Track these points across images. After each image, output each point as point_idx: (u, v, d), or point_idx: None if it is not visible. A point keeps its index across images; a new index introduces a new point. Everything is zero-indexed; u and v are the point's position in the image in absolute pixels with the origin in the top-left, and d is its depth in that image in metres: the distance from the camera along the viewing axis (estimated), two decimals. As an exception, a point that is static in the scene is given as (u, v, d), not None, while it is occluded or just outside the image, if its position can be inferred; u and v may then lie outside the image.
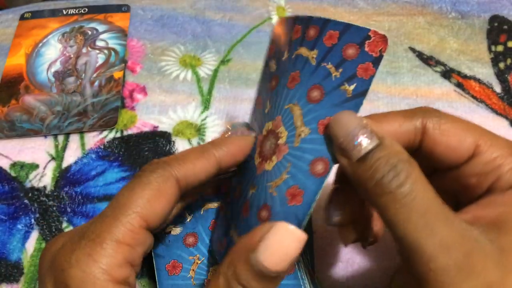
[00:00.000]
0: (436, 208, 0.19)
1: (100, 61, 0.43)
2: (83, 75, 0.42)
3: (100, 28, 0.45)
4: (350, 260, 0.33)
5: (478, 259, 0.18)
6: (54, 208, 0.35)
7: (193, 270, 0.29)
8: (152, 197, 0.21)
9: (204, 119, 0.39)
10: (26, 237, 0.33)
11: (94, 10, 0.47)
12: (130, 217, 0.20)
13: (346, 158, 0.21)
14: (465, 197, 0.23)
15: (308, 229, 0.32)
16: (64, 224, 0.34)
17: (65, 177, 0.36)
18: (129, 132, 0.39)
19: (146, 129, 0.39)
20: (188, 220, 0.29)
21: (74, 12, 0.47)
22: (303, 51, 0.24)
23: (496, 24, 0.46)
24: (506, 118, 0.40)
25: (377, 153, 0.20)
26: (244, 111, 0.40)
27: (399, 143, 0.22)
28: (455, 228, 0.19)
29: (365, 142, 0.20)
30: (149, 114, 0.40)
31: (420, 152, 0.23)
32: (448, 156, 0.22)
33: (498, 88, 0.42)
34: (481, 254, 0.19)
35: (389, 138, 0.21)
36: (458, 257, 0.18)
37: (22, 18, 0.46)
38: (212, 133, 0.39)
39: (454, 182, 0.23)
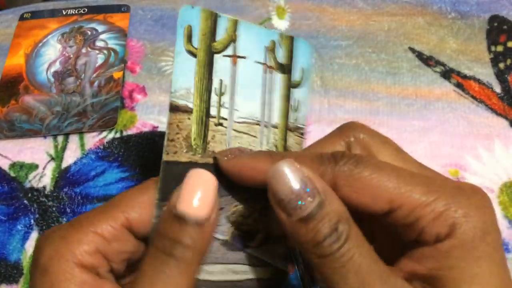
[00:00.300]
0: (372, 267, 0.19)
1: (99, 61, 0.43)
2: (83, 75, 0.42)
3: (100, 28, 0.45)
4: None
5: None
6: (54, 209, 0.35)
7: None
8: (143, 200, 0.22)
9: (204, 119, 0.39)
10: (25, 237, 0.33)
11: (94, 10, 0.47)
12: (114, 213, 0.21)
13: (285, 214, 0.20)
14: (399, 243, 0.22)
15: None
16: (64, 225, 0.34)
17: (64, 177, 0.36)
18: (129, 132, 0.39)
19: (146, 129, 0.39)
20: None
21: (73, 13, 0.47)
22: None
23: (495, 24, 0.46)
24: (506, 118, 0.40)
25: (320, 213, 0.19)
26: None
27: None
28: (391, 285, 0.19)
29: (308, 200, 0.19)
30: (149, 115, 0.40)
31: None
32: (362, 212, 0.21)
33: (498, 88, 0.42)
34: None
35: (330, 191, 0.20)
36: None
37: (22, 18, 0.46)
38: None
39: (383, 233, 0.23)
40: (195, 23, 0.24)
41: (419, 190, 0.20)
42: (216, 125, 0.25)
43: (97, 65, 0.42)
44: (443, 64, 0.43)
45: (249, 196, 0.25)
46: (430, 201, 0.20)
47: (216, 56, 0.25)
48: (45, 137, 0.38)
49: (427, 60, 0.44)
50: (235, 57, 0.25)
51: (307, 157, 0.22)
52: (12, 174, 0.36)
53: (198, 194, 0.20)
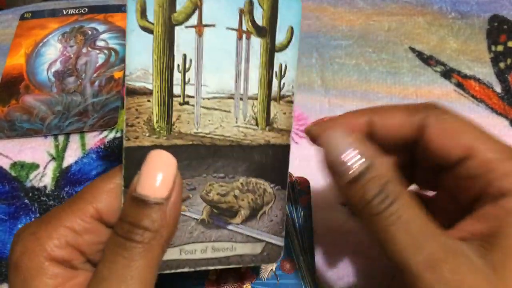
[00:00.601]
0: (421, 226, 0.20)
1: (100, 61, 0.43)
2: (83, 75, 0.42)
3: (100, 28, 0.45)
4: (350, 259, 0.33)
5: (467, 276, 0.18)
6: (55, 208, 0.35)
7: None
8: (112, 191, 0.21)
9: (204, 119, 0.39)
10: (26, 237, 0.33)
11: (94, 10, 0.47)
12: (83, 206, 0.21)
13: (337, 177, 0.21)
14: (463, 200, 0.23)
15: (309, 229, 0.32)
16: (65, 224, 0.34)
17: (65, 177, 0.36)
18: (130, 132, 0.39)
19: (146, 129, 0.39)
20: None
21: (74, 12, 0.47)
22: None
23: (496, 24, 0.46)
24: (506, 118, 0.40)
25: (367, 175, 0.20)
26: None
27: (400, 135, 0.23)
28: (442, 244, 0.19)
29: (355, 164, 0.20)
30: (149, 114, 0.40)
31: (420, 148, 0.23)
32: (442, 155, 0.22)
33: (498, 88, 0.42)
34: (471, 270, 0.19)
35: (379, 156, 0.21)
36: (445, 274, 0.18)
37: (22, 18, 0.46)
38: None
39: (451, 183, 0.23)
40: None
41: (497, 147, 0.22)
42: (181, 104, 0.23)
43: (97, 64, 0.42)
44: (443, 64, 0.43)
45: (225, 173, 0.24)
46: (504, 159, 0.21)
47: (177, 28, 0.22)
48: (46, 136, 0.38)
49: (427, 60, 0.44)
50: (200, 26, 0.22)
51: (396, 107, 0.24)
52: (13, 173, 0.36)
53: (156, 175, 0.20)
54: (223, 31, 0.23)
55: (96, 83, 0.41)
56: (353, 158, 0.20)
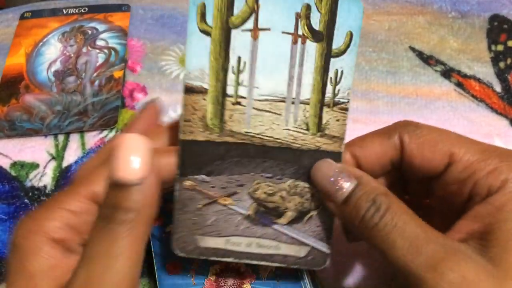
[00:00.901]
0: (418, 230, 0.21)
1: (100, 61, 0.43)
2: (83, 74, 0.42)
3: (100, 27, 0.45)
4: (350, 260, 0.33)
5: (469, 272, 0.19)
6: (55, 208, 0.35)
7: (194, 269, 0.29)
8: (105, 174, 0.22)
9: (204, 118, 0.39)
10: (26, 236, 0.33)
11: (94, 9, 0.47)
12: (80, 189, 0.22)
13: (332, 203, 0.23)
14: (456, 203, 0.24)
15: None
16: (65, 224, 0.34)
17: (65, 176, 0.36)
18: (129, 131, 0.39)
19: (146, 128, 0.39)
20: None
21: (74, 12, 0.47)
22: None
23: (496, 24, 0.46)
24: (506, 117, 0.40)
25: (357, 193, 0.22)
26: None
27: (384, 158, 0.24)
28: (440, 245, 0.20)
29: (345, 185, 0.22)
30: (149, 114, 0.40)
31: (404, 165, 0.25)
32: (425, 167, 0.24)
33: (498, 88, 0.42)
34: (472, 267, 0.19)
35: (366, 176, 0.23)
36: (447, 273, 0.19)
37: (22, 17, 0.46)
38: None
39: (441, 190, 0.24)
40: (209, 0, 0.23)
41: (476, 148, 0.23)
42: (233, 104, 0.24)
43: (97, 64, 0.42)
44: (443, 63, 0.43)
45: (273, 174, 0.25)
46: (485, 158, 0.22)
47: (233, 32, 0.23)
48: (45, 136, 0.38)
49: (427, 59, 0.44)
50: (255, 30, 0.23)
51: (369, 135, 0.25)
52: (13, 173, 0.36)
53: (130, 158, 0.21)
54: (278, 35, 0.23)
55: (96, 82, 0.41)
56: (343, 181, 0.23)
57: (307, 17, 0.23)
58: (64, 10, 0.47)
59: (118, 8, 0.47)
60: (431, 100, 0.41)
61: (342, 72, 0.24)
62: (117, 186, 0.21)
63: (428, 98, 0.41)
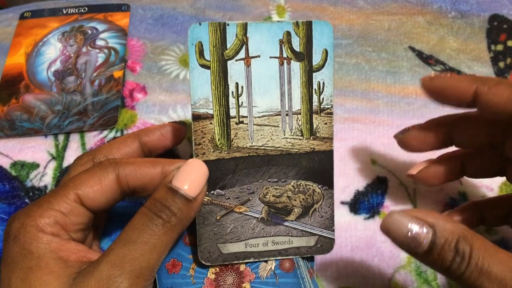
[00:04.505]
0: (502, 269, 0.21)
1: (100, 60, 0.43)
2: (83, 74, 0.42)
3: (100, 27, 0.45)
4: (350, 259, 0.33)
5: None
6: (55, 207, 0.35)
7: (193, 268, 0.29)
8: (91, 182, 0.26)
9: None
10: (26, 236, 0.34)
11: (94, 9, 0.47)
12: (66, 191, 0.25)
13: (413, 254, 0.23)
14: None
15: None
16: (65, 223, 0.34)
17: (65, 176, 0.36)
18: (129, 131, 0.39)
19: (146, 128, 0.39)
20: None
21: (74, 12, 0.47)
22: None
23: (495, 23, 0.46)
24: (506, 117, 0.40)
25: (437, 243, 0.22)
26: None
27: (506, 111, 0.25)
28: None
29: (423, 237, 0.22)
30: (149, 114, 0.40)
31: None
32: (504, 112, 0.25)
33: (497, 87, 0.42)
34: None
35: (439, 220, 0.23)
36: None
37: (22, 17, 0.46)
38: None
39: None
40: (204, 38, 0.26)
41: None
42: (237, 123, 0.28)
43: (97, 64, 0.43)
44: (443, 63, 0.43)
45: (278, 178, 0.29)
46: None
47: (229, 62, 0.27)
48: (46, 136, 0.38)
49: (427, 59, 0.44)
50: (247, 58, 0.27)
51: (504, 82, 0.26)
52: (13, 173, 0.36)
53: (192, 176, 0.25)
54: (267, 60, 0.27)
55: (96, 82, 0.41)
56: (419, 235, 0.22)
57: (289, 42, 0.27)
58: (64, 10, 0.47)
59: (118, 8, 0.47)
60: (429, 100, 0.41)
61: (323, 83, 0.28)
62: (172, 191, 0.25)
63: (427, 98, 0.41)
